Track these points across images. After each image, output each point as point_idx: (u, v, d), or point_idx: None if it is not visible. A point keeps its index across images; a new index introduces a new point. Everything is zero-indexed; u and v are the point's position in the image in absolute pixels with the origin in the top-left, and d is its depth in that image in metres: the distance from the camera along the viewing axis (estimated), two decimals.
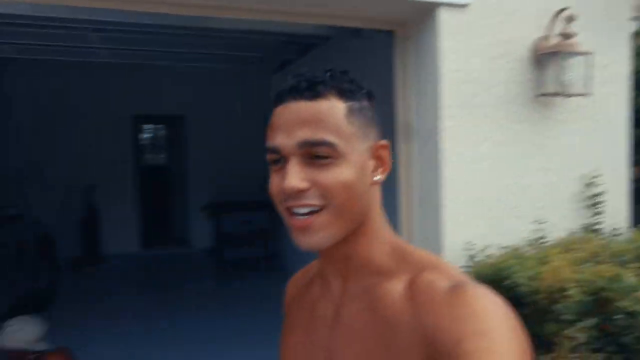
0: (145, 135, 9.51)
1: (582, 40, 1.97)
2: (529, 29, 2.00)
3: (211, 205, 6.64)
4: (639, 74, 4.38)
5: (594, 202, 2.12)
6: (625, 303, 1.27)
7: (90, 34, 3.55)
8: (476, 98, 1.97)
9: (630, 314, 1.25)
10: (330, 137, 0.64)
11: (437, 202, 2.01)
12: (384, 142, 0.70)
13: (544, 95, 2.01)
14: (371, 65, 3.40)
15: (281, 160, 0.67)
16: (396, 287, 0.66)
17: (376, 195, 0.70)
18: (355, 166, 0.66)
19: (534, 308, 1.50)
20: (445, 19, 1.91)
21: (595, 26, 2.08)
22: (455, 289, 0.59)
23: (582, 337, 1.30)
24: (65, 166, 6.50)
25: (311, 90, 0.66)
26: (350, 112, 0.66)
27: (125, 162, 6.99)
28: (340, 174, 0.65)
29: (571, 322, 1.33)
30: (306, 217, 0.65)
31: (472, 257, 1.93)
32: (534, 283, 1.50)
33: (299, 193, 0.65)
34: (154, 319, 4.72)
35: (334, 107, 0.66)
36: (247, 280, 6.06)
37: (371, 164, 0.68)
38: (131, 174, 7.12)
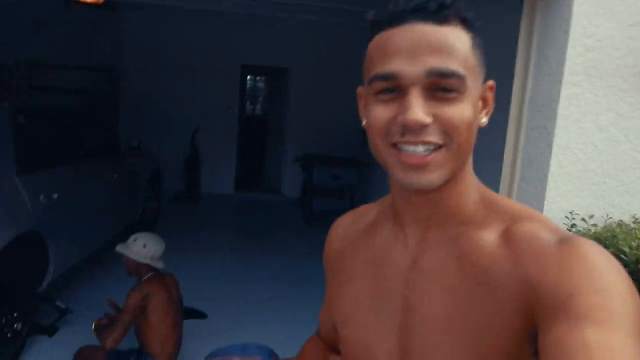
0: (250, 85, 9.92)
1: None
2: None
3: (305, 157, 6.89)
4: None
5: None
6: None
7: None
8: (604, 66, 1.91)
9: None
10: (461, 69, 0.58)
11: (544, 169, 2.01)
12: (491, 82, 0.65)
13: None
14: (496, 28, 3.32)
15: (395, 89, 0.60)
16: (489, 236, 0.62)
17: (474, 138, 0.64)
18: (474, 104, 0.61)
19: (635, 278, 1.50)
20: None
21: None
22: (566, 241, 0.56)
23: None
24: (177, 107, 7.02)
25: (440, 13, 0.59)
26: (475, 44, 0.61)
27: (230, 109, 7.41)
28: (465, 110, 0.59)
29: None
30: (423, 153, 0.59)
31: (573, 225, 1.93)
32: (638, 252, 1.50)
33: (422, 128, 0.58)
34: (245, 254, 5.13)
35: (461, 36, 0.60)
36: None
37: (480, 104, 0.64)
38: (234, 121, 7.54)
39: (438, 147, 0.59)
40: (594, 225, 1.85)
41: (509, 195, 2.23)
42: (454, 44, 0.58)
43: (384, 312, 0.68)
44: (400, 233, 0.69)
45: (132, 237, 2.51)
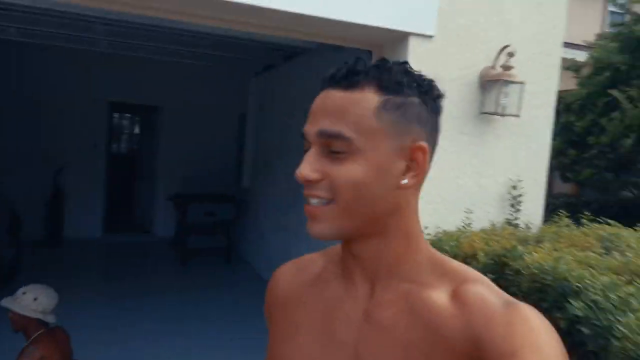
0: (119, 123, 9.63)
1: (518, 71, 2.48)
2: (479, 60, 2.50)
3: (178, 195, 6.91)
4: (582, 100, 5.06)
5: (514, 202, 2.64)
6: (515, 265, 1.75)
7: (95, 26, 3.85)
8: None
9: (517, 272, 1.73)
10: (346, 131, 0.62)
11: None
12: (422, 144, 0.64)
13: (485, 113, 2.52)
14: None
15: (308, 146, 0.66)
16: (438, 296, 0.64)
17: (409, 199, 0.67)
18: (373, 165, 0.63)
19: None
20: (414, 46, 2.38)
21: (531, 60, 2.61)
22: (510, 305, 0.61)
23: None
24: (38, 146, 6.62)
25: (347, 79, 0.64)
26: (385, 106, 0.63)
27: (96, 146, 7.16)
28: (351, 170, 0.62)
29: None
30: (315, 205, 0.65)
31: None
32: (455, 250, 1.98)
33: (309, 183, 0.64)
34: (118, 298, 4.97)
35: (365, 100, 0.63)
36: (208, 268, 6.38)
37: (400, 165, 0.64)
38: (101, 160, 7.28)
39: (327, 202, 0.64)
40: (428, 234, 2.33)
41: None
42: (350, 108, 0.62)
43: None
44: (350, 286, 0.71)
45: (21, 290, 2.34)
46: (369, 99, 0.63)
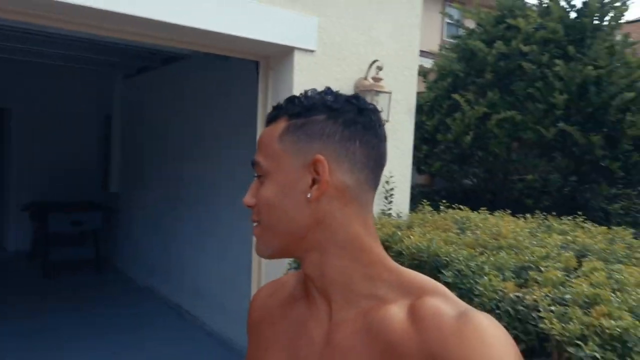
0: None
1: (386, 83, 2.89)
2: (353, 72, 2.86)
3: (34, 204, 6.36)
4: (430, 102, 5.82)
5: (387, 195, 3.06)
6: (396, 247, 2.12)
7: None
8: None
9: (399, 253, 2.10)
10: (258, 157, 0.71)
11: None
12: (318, 156, 0.67)
13: None
14: (234, 84, 4.00)
15: None
16: (395, 312, 0.65)
17: (332, 212, 0.68)
18: (279, 184, 0.68)
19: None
20: (299, 59, 2.64)
21: (395, 73, 3.04)
22: (463, 316, 0.60)
23: None
24: None
25: (270, 116, 0.73)
26: (287, 130, 0.69)
27: None
28: (264, 191, 0.70)
29: None
30: (254, 227, 0.73)
31: None
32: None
33: (249, 207, 0.72)
34: None
35: (275, 129, 0.70)
36: (77, 280, 5.99)
37: (307, 180, 0.67)
38: None
39: (257, 223, 0.72)
40: None
41: None
42: (263, 138, 0.72)
43: None
44: (312, 306, 0.73)
45: None
46: (278, 127, 0.70)
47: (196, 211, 4.98)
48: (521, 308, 1.67)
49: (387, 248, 2.17)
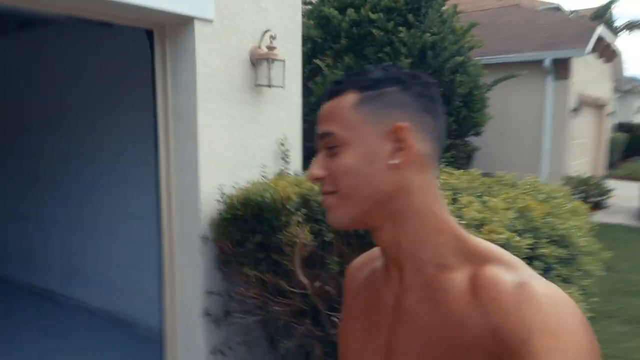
0: None
1: (280, 50, 3.09)
2: (249, 41, 2.99)
3: None
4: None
5: (284, 156, 3.32)
6: (317, 198, 2.43)
7: None
8: (219, 86, 2.85)
9: (319, 203, 2.41)
10: (332, 128, 0.72)
11: (194, 160, 2.81)
12: (401, 123, 0.70)
13: (258, 85, 3.06)
14: (119, 51, 3.79)
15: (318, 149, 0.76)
16: (458, 280, 0.66)
17: (411, 179, 0.70)
18: (361, 152, 0.70)
19: (274, 207, 2.52)
20: (199, 29, 2.69)
21: (284, 41, 3.25)
22: (522, 285, 0.60)
23: (303, 218, 2.40)
24: None
25: (332, 90, 0.75)
26: (362, 101, 0.71)
27: None
28: (343, 160, 0.71)
29: (296, 211, 2.42)
30: (325, 198, 0.74)
31: (223, 194, 2.83)
32: (275, 195, 2.53)
33: (318, 180, 0.74)
34: None
35: (345, 100, 0.73)
36: None
37: (387, 147, 0.70)
38: None
39: (332, 193, 0.73)
40: (237, 189, 2.80)
41: (169, 184, 2.92)
42: (334, 110, 0.73)
43: (372, 350, 0.76)
44: (387, 274, 0.77)
45: None
46: (348, 99, 0.72)
47: (63, 188, 4.66)
48: None
49: (307, 201, 2.46)
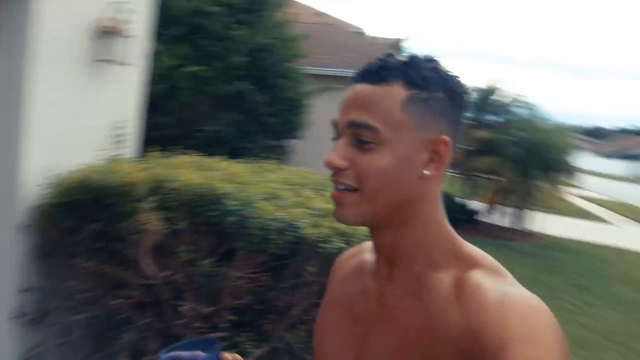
0: None
1: (128, 26, 2.86)
2: (95, 12, 2.72)
3: None
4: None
5: (120, 140, 3.09)
6: (171, 185, 2.35)
7: None
8: (58, 55, 2.52)
9: (175, 190, 2.33)
10: (374, 122, 0.66)
11: (15, 135, 2.44)
12: (445, 137, 0.68)
13: (100, 60, 2.79)
14: None
15: (338, 135, 0.71)
16: (445, 280, 0.67)
17: (430, 189, 0.69)
18: (398, 155, 0.66)
19: (118, 193, 2.36)
20: None
21: (136, 16, 3.00)
22: (506, 293, 0.61)
23: (153, 205, 2.29)
24: None
25: (377, 74, 0.68)
26: (411, 100, 0.66)
27: None
28: (378, 160, 0.66)
29: (144, 198, 2.30)
30: (341, 191, 0.69)
31: (54, 176, 2.51)
32: (117, 180, 2.35)
33: (336, 170, 0.68)
34: None
35: (392, 93, 0.67)
36: None
37: (424, 156, 0.68)
38: None
39: (353, 189, 0.68)
40: (72, 172, 2.51)
41: None
42: (378, 101, 0.67)
43: (350, 338, 0.76)
44: (375, 268, 0.77)
45: None
46: (395, 92, 0.67)
47: None
48: (282, 223, 2.22)
49: (159, 187, 2.35)
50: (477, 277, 0.65)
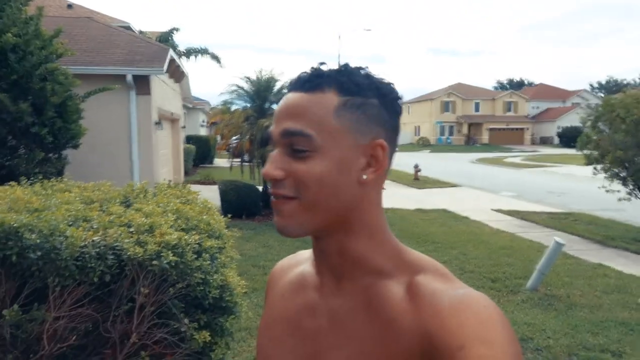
0: None
1: None
2: None
3: None
4: None
5: None
6: None
7: None
8: None
9: None
10: (308, 129, 0.65)
11: None
12: (381, 141, 0.68)
13: None
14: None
15: (273, 146, 0.69)
16: (395, 288, 0.66)
17: (370, 194, 0.69)
18: (334, 161, 0.66)
19: None
20: None
21: None
22: (459, 295, 0.62)
23: None
24: None
25: (310, 82, 0.68)
26: (344, 106, 0.66)
27: None
28: (314, 167, 0.65)
29: None
30: (279, 200, 0.67)
31: None
32: None
33: (274, 181, 0.67)
34: None
35: (325, 100, 0.66)
36: None
37: (361, 161, 0.68)
38: None
39: (292, 198, 0.66)
40: None
41: None
42: (310, 108, 0.66)
43: (299, 356, 0.73)
44: (320, 280, 0.74)
45: None
46: (329, 99, 0.67)
47: None
48: (102, 247, 2.01)
49: None
50: (427, 280, 0.66)
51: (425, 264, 0.69)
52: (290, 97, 0.69)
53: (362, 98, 0.67)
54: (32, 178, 5.85)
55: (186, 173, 16.58)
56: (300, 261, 0.84)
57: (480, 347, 0.56)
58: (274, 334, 0.78)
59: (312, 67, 0.70)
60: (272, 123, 0.70)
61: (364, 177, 0.67)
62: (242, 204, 9.43)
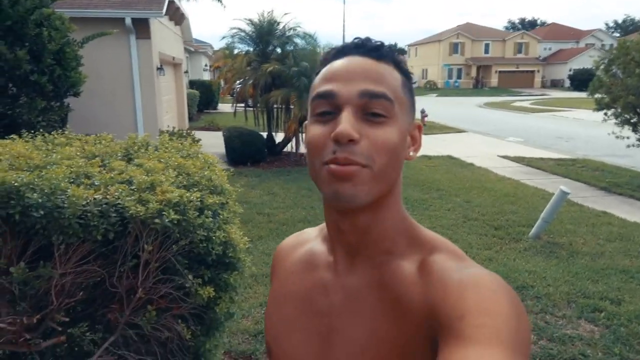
0: None
1: None
2: None
3: None
4: None
5: None
6: None
7: None
8: None
9: None
10: (390, 94, 0.65)
11: None
12: (419, 122, 0.72)
13: None
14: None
15: (332, 111, 0.65)
16: (407, 265, 0.67)
17: (402, 173, 0.71)
18: (402, 133, 0.67)
19: None
20: None
21: None
22: (472, 274, 0.62)
23: None
24: None
25: (377, 51, 0.68)
26: (404, 84, 0.69)
27: None
28: (391, 134, 0.64)
29: None
30: (348, 167, 0.63)
31: None
32: None
33: (349, 143, 0.62)
34: None
35: (395, 73, 0.68)
36: None
37: (409, 139, 0.70)
38: None
39: (362, 167, 0.63)
40: None
41: None
42: (387, 75, 0.67)
43: (312, 334, 0.73)
44: (331, 259, 0.75)
45: None
46: (394, 73, 0.68)
47: None
48: (104, 205, 2.01)
49: None
50: (440, 258, 0.66)
51: (439, 243, 0.70)
52: (361, 60, 0.67)
53: (409, 80, 0.71)
54: (37, 127, 5.87)
55: (190, 119, 16.47)
56: (308, 239, 0.84)
57: (479, 316, 0.55)
58: (284, 312, 0.78)
59: (366, 38, 0.70)
60: (332, 82, 0.66)
61: (411, 154, 0.70)
62: (247, 151, 9.42)
